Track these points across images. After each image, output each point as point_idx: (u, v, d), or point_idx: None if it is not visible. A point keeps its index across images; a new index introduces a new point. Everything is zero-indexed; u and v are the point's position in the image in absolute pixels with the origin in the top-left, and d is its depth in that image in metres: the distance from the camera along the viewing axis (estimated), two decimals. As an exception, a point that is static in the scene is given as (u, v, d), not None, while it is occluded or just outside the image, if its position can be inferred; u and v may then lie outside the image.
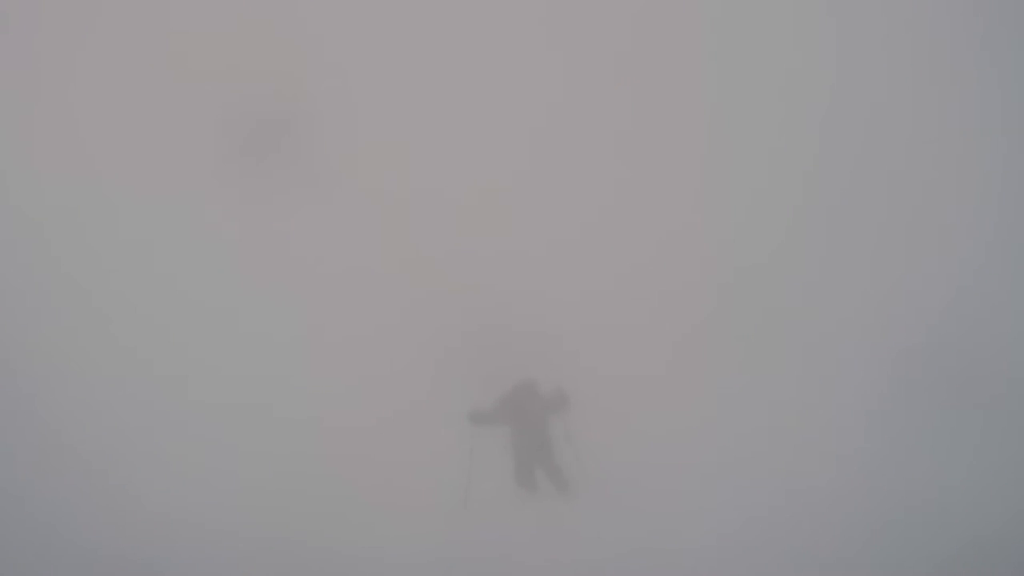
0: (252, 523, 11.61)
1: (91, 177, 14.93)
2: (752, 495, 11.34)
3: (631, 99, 15.83)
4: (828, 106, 15.59)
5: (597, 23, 15.89)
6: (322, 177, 15.41)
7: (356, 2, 15.91)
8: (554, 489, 12.77)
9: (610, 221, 15.49)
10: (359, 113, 15.73)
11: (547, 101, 15.72)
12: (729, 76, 15.90)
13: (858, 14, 15.58)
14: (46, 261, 14.36)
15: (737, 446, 12.68)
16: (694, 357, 14.04)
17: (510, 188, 15.50)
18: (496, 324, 13.68)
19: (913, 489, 10.93)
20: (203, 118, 15.43)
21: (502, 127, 15.61)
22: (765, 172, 15.36)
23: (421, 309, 14.55)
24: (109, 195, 14.82)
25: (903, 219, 14.88)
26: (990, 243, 14.12)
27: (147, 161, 15.08)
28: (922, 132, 15.12)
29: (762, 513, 10.74)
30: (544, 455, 13.00)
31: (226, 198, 15.01)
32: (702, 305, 14.67)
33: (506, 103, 15.72)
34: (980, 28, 15.15)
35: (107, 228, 14.75)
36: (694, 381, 13.79)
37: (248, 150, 15.52)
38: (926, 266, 14.27)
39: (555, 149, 15.62)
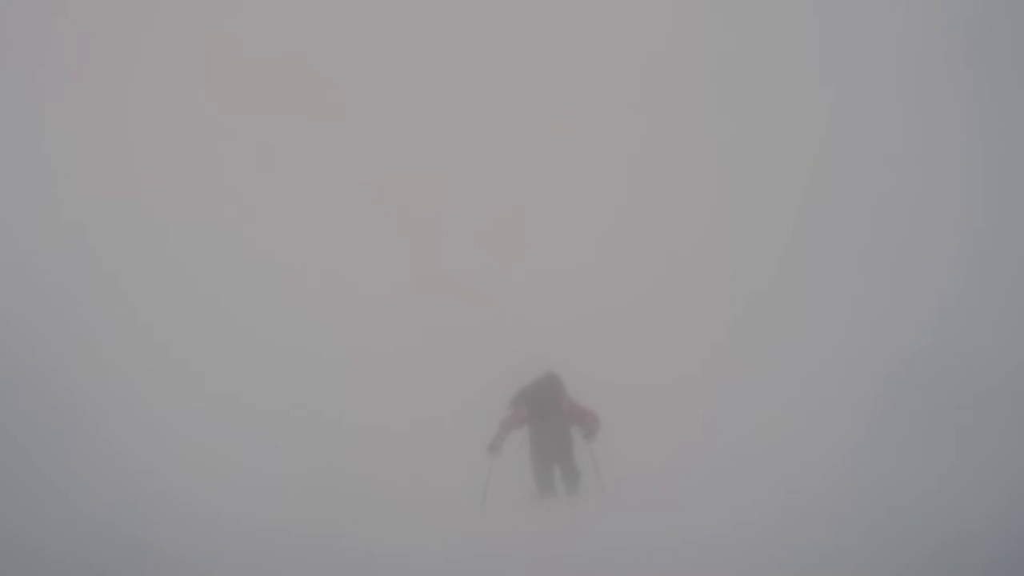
0: (294, 520, 11.89)
1: (147, 202, 15.35)
2: (752, 495, 11.55)
3: (643, 136, 16.20)
4: (824, 140, 15.93)
5: (613, 65, 16.25)
6: (359, 204, 15.76)
7: (389, 41, 16.34)
8: (566, 491, 12.71)
9: (622, 245, 15.86)
10: (392, 147, 16.08)
11: (566, 135, 16.10)
12: (733, 115, 16.29)
13: (851, 53, 15.95)
14: (104, 282, 14.76)
15: (739, 450, 12.98)
16: (700, 368, 14.41)
17: (529, 216, 15.89)
18: (515, 336, 14.02)
19: (900, 490, 11.16)
20: (252, 148, 15.78)
21: (523, 160, 15.99)
22: (766, 200, 15.69)
23: (448, 324, 14.92)
24: (170, 223, 15.22)
25: (891, 245, 15.17)
26: (971, 269, 14.41)
27: (200, 187, 15.45)
28: (908, 165, 15.49)
29: (762, 512, 10.89)
30: (564, 457, 12.76)
31: (273, 224, 15.38)
32: (708, 322, 15.00)
33: (528, 137, 16.10)
34: (963, 66, 15.53)
35: (165, 254, 15.17)
36: (699, 390, 14.19)
37: (292, 180, 15.91)
38: (912, 289, 14.63)
39: (572, 180, 16.01)
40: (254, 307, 15.29)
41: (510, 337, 13.93)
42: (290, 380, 14.59)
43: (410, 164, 16.32)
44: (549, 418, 12.73)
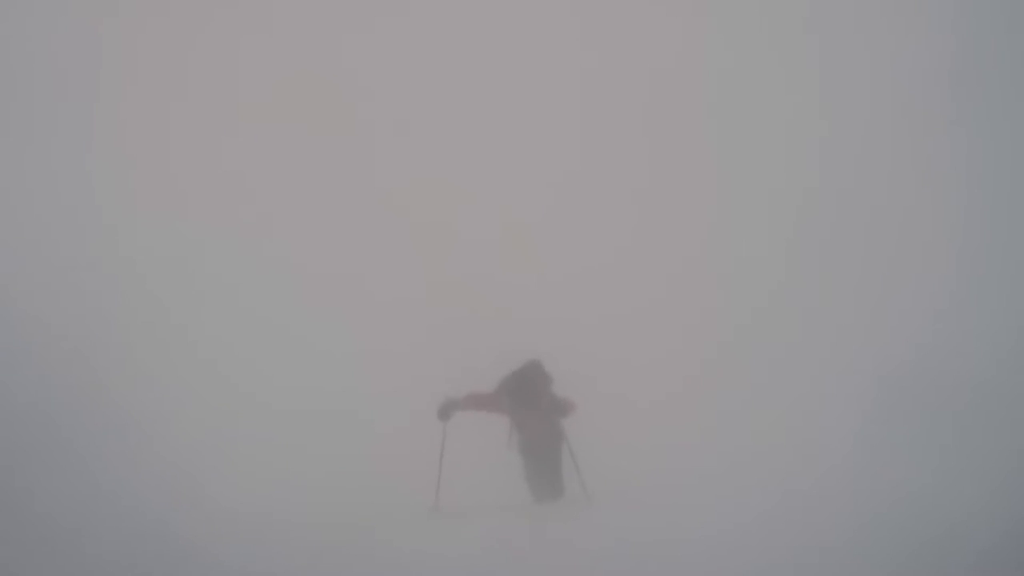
0: (324, 516, 12.04)
1: (179, 214, 15.61)
2: (751, 496, 11.70)
3: (648, 153, 16.42)
4: (818, 156, 16.20)
5: (620, 84, 16.43)
6: (375, 214, 16.00)
7: (405, 58, 16.59)
8: (551, 497, 12.17)
9: (625, 258, 16.06)
10: (407, 161, 16.30)
11: (573, 150, 16.32)
12: (730, 132, 16.52)
13: (844, 77, 16.21)
14: (141, 290, 15.03)
15: (739, 454, 13.13)
16: (701, 376, 14.61)
17: (537, 227, 16.11)
18: (522, 343, 13.60)
19: (892, 489, 11.38)
20: (276, 164, 16.00)
21: (532, 173, 16.20)
22: (764, 216, 15.90)
23: (458, 329, 15.14)
24: (194, 230, 15.49)
25: (884, 260, 15.41)
26: (959, 281, 14.74)
27: (226, 201, 15.68)
28: (899, 190, 15.74)
29: (759, 511, 11.06)
30: (550, 460, 12.07)
31: (295, 233, 15.61)
32: (707, 331, 15.20)
33: (537, 151, 16.30)
34: (951, 86, 15.84)
35: (194, 261, 15.42)
36: (700, 397, 14.38)
37: (312, 192, 16.17)
38: (903, 303, 14.90)
39: (579, 193, 16.23)
40: (283, 314, 15.53)
41: (521, 341, 13.65)
42: (316, 382, 14.82)
43: (424, 177, 16.54)
44: (531, 411, 11.98)
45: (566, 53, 16.94)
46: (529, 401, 11.95)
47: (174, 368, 14.73)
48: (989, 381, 13.50)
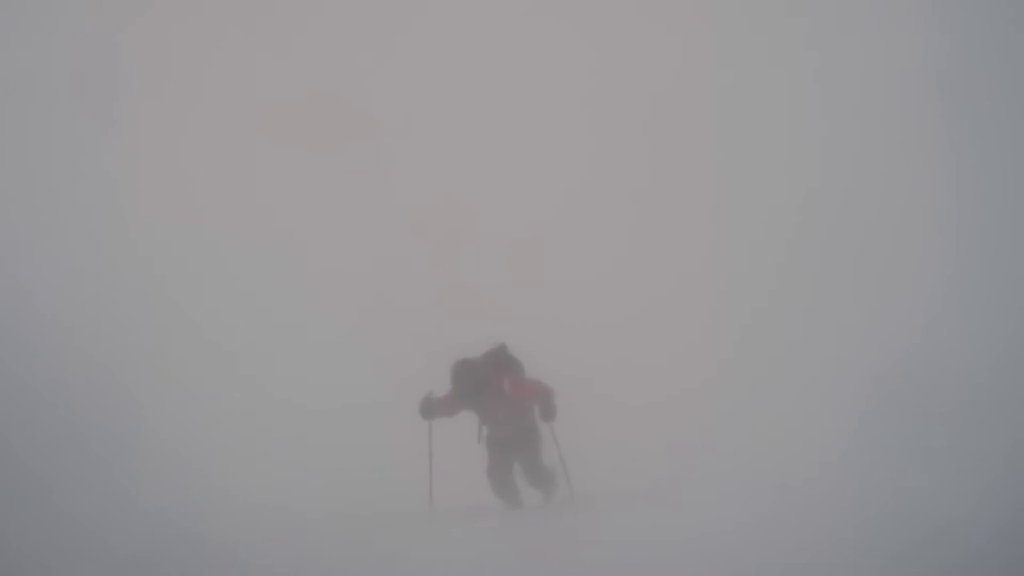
0: (331, 510, 12.31)
1: (199, 220, 15.81)
2: (750, 495, 11.79)
3: (647, 157, 16.61)
4: (816, 161, 16.40)
5: (620, 90, 16.62)
6: (388, 221, 16.21)
7: (417, 74, 16.80)
8: (542, 496, 12.01)
9: (627, 260, 16.29)
10: (421, 174, 16.51)
11: (575, 153, 16.53)
12: (729, 138, 16.74)
13: (839, 94, 16.39)
14: (160, 293, 15.25)
15: (738, 454, 13.32)
16: (700, 377, 14.84)
17: (543, 233, 16.31)
18: (527, 345, 13.77)
19: (889, 488, 11.49)
20: (293, 172, 16.22)
21: (537, 182, 16.41)
22: (762, 219, 16.07)
23: (465, 332, 15.30)
24: (214, 236, 15.69)
25: (881, 262, 15.61)
26: (956, 282, 14.87)
27: (244, 207, 15.91)
28: (895, 193, 15.88)
29: (758, 511, 11.13)
30: (528, 452, 11.49)
31: (309, 239, 15.81)
32: (707, 332, 15.42)
33: (541, 161, 16.52)
34: (941, 105, 16.03)
35: (213, 266, 15.64)
36: (700, 397, 14.64)
37: (327, 199, 16.42)
38: (897, 309, 15.06)
39: (581, 196, 16.42)
40: (299, 316, 15.80)
41: (525, 343, 13.84)
42: (329, 381, 15.11)
43: (434, 185, 16.76)
44: (491, 402, 11.01)
45: (569, 62, 17.16)
46: (478, 389, 10.99)
47: (194, 368, 14.92)
48: (986, 381, 13.60)
